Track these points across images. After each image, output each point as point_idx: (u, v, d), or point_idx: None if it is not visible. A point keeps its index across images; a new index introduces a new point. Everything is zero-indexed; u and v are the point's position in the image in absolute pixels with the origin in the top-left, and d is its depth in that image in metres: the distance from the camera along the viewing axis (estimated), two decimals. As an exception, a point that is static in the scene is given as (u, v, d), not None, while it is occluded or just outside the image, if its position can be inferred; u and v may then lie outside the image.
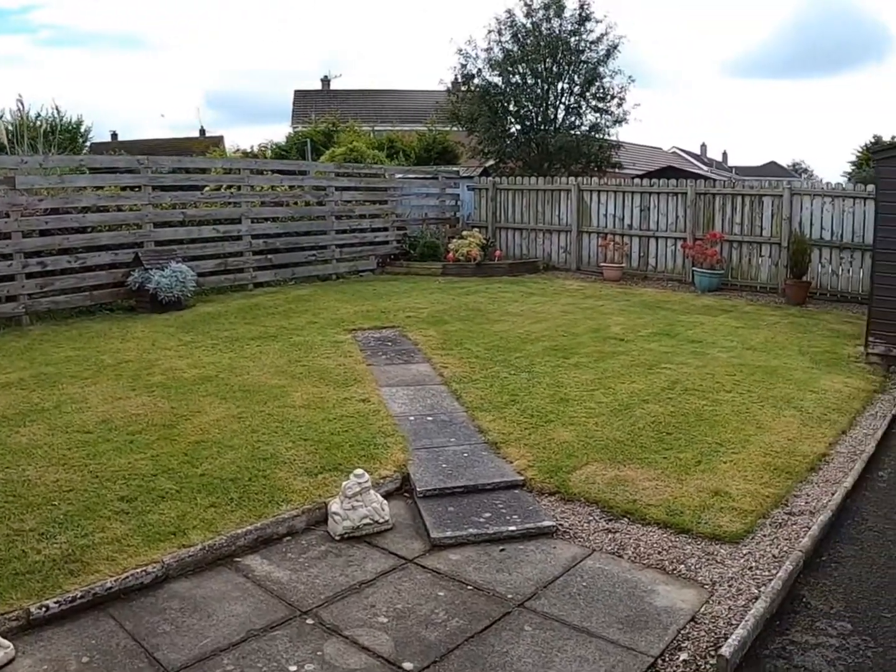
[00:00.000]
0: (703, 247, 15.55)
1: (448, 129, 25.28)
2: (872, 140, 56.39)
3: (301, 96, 41.34)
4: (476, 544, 4.64)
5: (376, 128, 28.14)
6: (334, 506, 4.68)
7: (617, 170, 22.51)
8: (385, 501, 4.84)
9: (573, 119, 21.76)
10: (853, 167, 55.38)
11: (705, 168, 39.85)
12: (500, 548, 4.60)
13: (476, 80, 21.92)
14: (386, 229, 16.77)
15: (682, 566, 4.45)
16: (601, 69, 21.52)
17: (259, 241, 13.98)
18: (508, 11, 21.44)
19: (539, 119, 21.68)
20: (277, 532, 4.62)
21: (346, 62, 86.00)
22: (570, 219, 17.62)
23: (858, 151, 56.52)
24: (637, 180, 17.36)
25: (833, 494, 5.43)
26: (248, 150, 22.76)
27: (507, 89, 21.50)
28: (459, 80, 22.19)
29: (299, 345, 9.22)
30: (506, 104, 21.60)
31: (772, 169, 67.25)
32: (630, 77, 21.83)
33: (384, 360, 8.80)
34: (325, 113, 29.98)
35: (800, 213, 15.05)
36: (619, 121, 22.12)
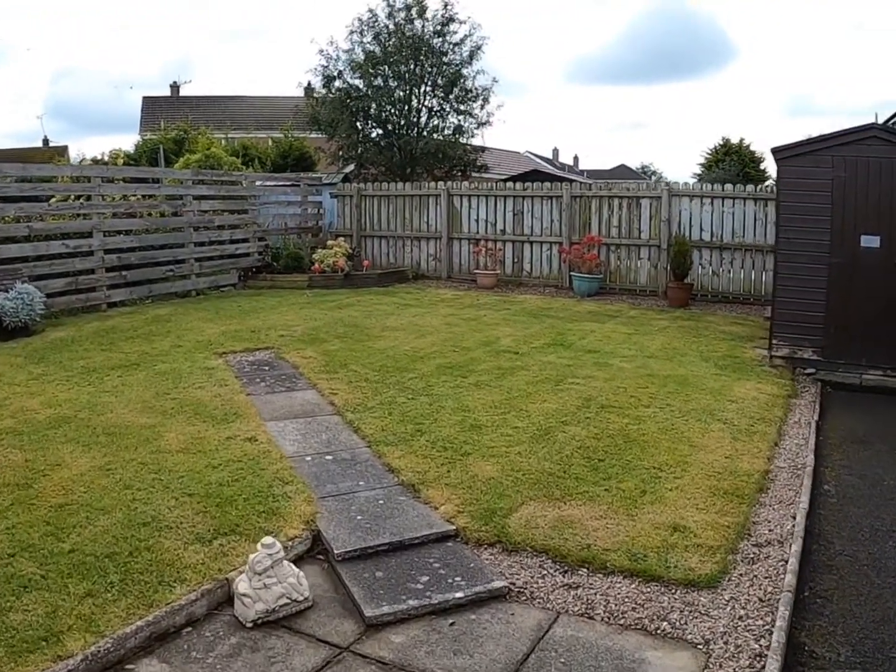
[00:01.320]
0: (581, 251, 15.25)
1: (305, 134, 24.29)
2: (721, 143, 58.66)
3: (150, 103, 39.37)
4: (419, 618, 3.85)
5: (230, 135, 26.73)
6: (242, 585, 3.76)
7: (483, 173, 22.11)
8: (301, 573, 3.96)
9: (437, 122, 21.24)
10: (702, 168, 57.44)
11: (558, 172, 40.24)
12: (450, 621, 3.82)
13: (337, 83, 21.07)
14: (247, 240, 15.66)
15: (665, 623, 3.81)
16: (465, 70, 21.05)
17: (112, 257, 12.65)
18: (371, 11, 20.79)
19: (402, 123, 21.01)
20: (174, 624, 3.67)
21: (198, 67, 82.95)
22: (440, 225, 17.00)
23: (707, 153, 58.68)
24: (509, 184, 16.91)
25: (794, 518, 4.98)
26: (98, 158, 21.01)
27: (369, 92, 20.73)
28: (320, 82, 21.24)
29: (166, 374, 8.13)
30: (367, 108, 20.80)
31: (622, 172, 69.21)
32: (494, 79, 21.41)
33: (265, 388, 7.85)
34: (175, 120, 28.37)
35: (679, 214, 14.96)
36: (482, 123, 21.77)
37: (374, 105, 20.86)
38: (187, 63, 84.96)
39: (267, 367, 8.70)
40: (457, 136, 21.44)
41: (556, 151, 66.66)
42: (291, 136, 24.57)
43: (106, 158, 17.92)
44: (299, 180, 17.74)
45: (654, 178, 71.94)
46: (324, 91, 21.46)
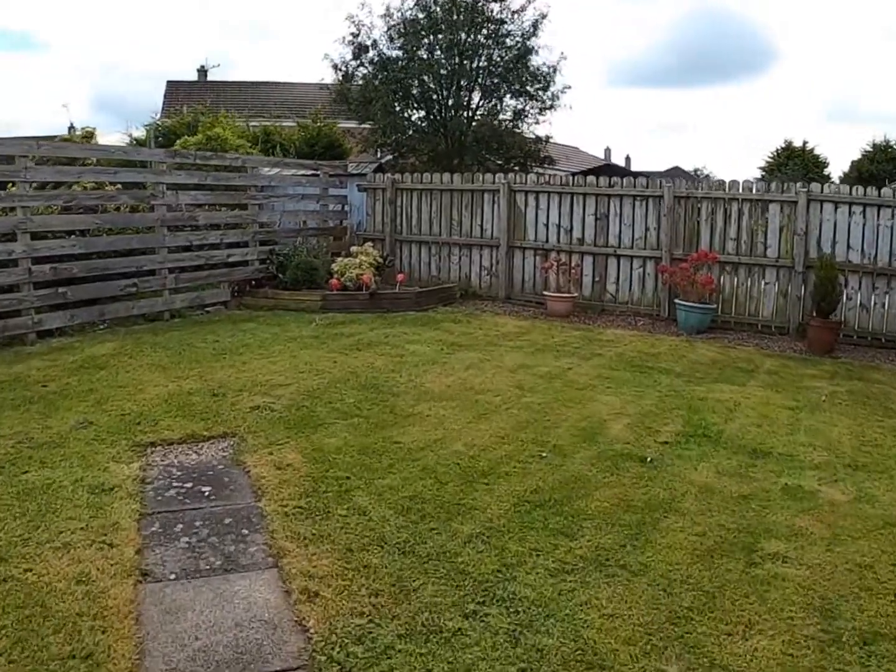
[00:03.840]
0: (689, 271, 11.23)
1: (335, 121, 20.53)
2: (783, 146, 54.54)
3: (173, 88, 35.85)
4: None
5: (252, 122, 22.97)
6: None
7: (547, 168, 18.10)
8: None
9: (492, 104, 17.17)
10: (763, 172, 53.25)
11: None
12: None
13: (370, 54, 17.15)
14: (245, 244, 11.87)
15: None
16: (529, 42, 17.04)
17: (45, 268, 8.98)
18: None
19: (450, 103, 17.02)
20: None
21: (232, 53, 79.58)
22: (498, 229, 13.09)
23: (769, 157, 54.52)
24: (590, 178, 12.90)
25: None
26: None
27: (410, 65, 16.78)
28: (350, 53, 17.37)
29: (28, 496, 4.44)
30: (408, 84, 16.86)
31: (675, 174, 64.70)
32: (562, 54, 17.43)
33: (182, 557, 4.01)
34: (199, 106, 24.87)
35: (819, 226, 10.90)
36: (548, 107, 17.70)
37: (415, 81, 16.89)
38: (224, 55, 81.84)
39: (207, 490, 4.85)
40: (517, 121, 17.44)
41: (608, 151, 62.22)
42: (321, 120, 20.77)
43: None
44: (318, 168, 13.86)
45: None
46: (354, 63, 17.58)
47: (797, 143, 53.22)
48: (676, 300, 11.41)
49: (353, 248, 12.81)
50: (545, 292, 12.35)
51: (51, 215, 9.30)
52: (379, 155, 18.77)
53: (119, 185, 10.23)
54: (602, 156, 58.55)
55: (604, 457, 5.70)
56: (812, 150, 53.24)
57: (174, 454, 5.45)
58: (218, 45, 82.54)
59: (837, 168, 53.34)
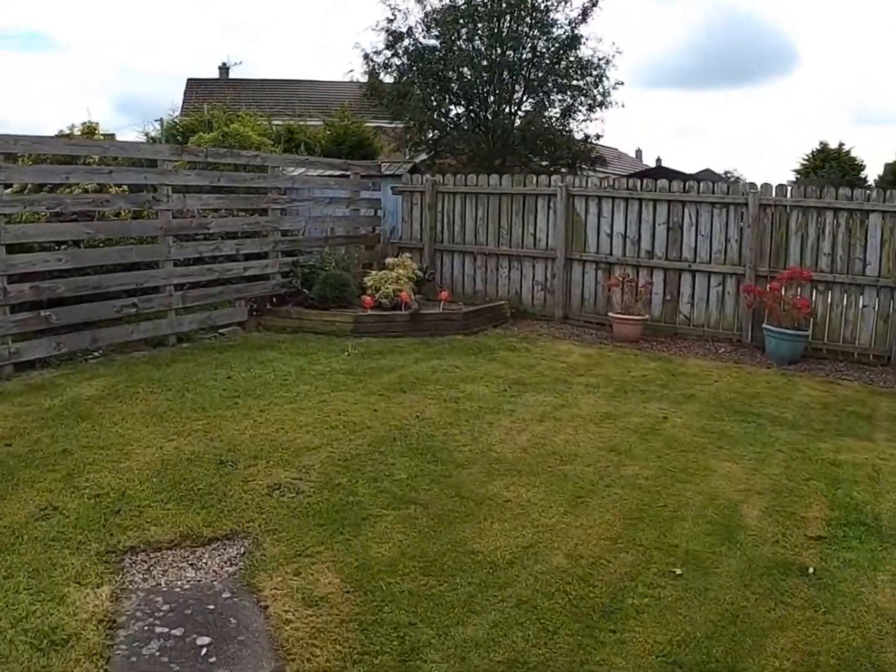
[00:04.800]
0: (779, 291, 9.56)
1: (363, 118, 18.96)
2: (818, 148, 52.53)
3: (193, 86, 34.39)
4: None
5: (275, 122, 21.41)
6: None
7: (598, 168, 16.40)
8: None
9: (539, 99, 15.49)
10: (798, 175, 51.30)
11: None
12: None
13: (406, 43, 15.52)
14: (265, 255, 10.29)
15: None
16: (577, 31, 15.37)
17: (24, 287, 7.43)
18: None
19: (492, 99, 15.36)
20: None
21: (254, 53, 78.10)
22: (555, 239, 11.45)
23: (804, 159, 52.50)
24: (661, 182, 11.19)
25: None
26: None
27: (449, 56, 15.14)
28: (383, 41, 15.75)
29: None
30: (446, 77, 15.22)
31: (707, 176, 62.70)
32: (615, 45, 15.70)
33: None
34: (220, 104, 23.37)
35: (933, 239, 9.23)
36: (599, 104, 16.00)
37: (455, 73, 15.24)
38: (247, 56, 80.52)
39: (205, 643, 3.30)
40: (565, 118, 15.76)
41: (639, 152, 60.35)
42: (348, 118, 19.17)
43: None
44: (348, 168, 12.24)
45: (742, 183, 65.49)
46: (388, 53, 15.96)
47: (833, 145, 51.28)
48: (765, 325, 9.74)
49: (389, 260, 11.19)
50: (611, 313, 10.68)
51: (29, 224, 7.74)
52: (411, 155, 17.14)
53: (124, 187, 8.68)
54: (633, 156, 56.79)
55: (755, 569, 4.09)
56: (848, 152, 51.31)
57: (161, 567, 3.86)
58: (241, 45, 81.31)
59: (872, 171, 51.09)
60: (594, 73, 15.54)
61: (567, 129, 15.91)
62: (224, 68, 36.94)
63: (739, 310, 10.50)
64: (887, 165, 54.85)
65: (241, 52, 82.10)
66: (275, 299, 10.41)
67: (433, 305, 10.67)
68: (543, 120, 15.40)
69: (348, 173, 12.06)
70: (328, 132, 18.40)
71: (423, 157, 17.12)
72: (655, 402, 7.32)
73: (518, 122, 15.46)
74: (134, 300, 8.39)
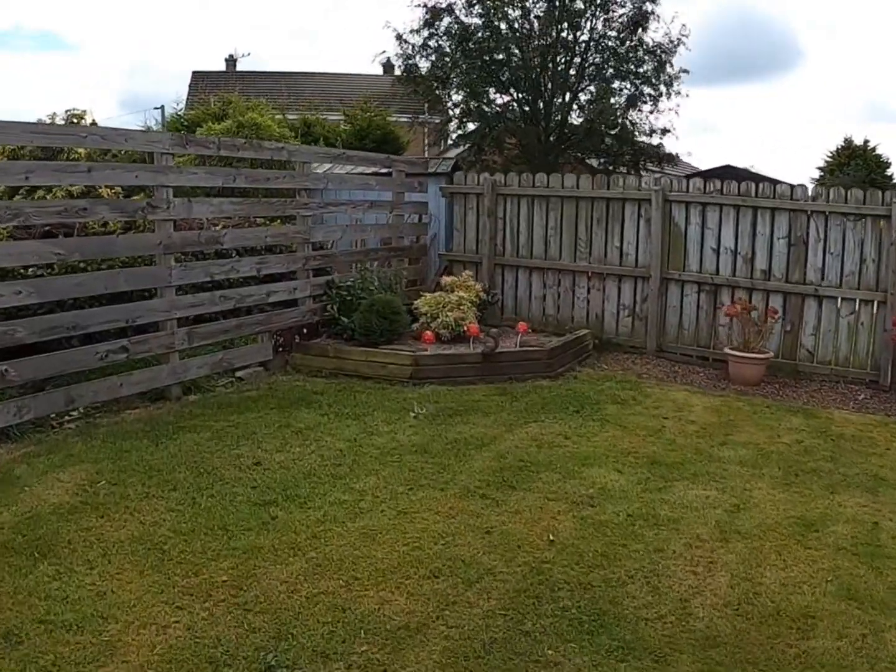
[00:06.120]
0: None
1: (387, 112, 16.75)
2: (843, 145, 50.34)
3: (199, 78, 32.15)
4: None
5: (290, 116, 19.23)
6: None
7: (666, 167, 14.17)
8: None
9: (602, 86, 13.23)
10: (822, 173, 49.17)
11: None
12: None
13: (446, 21, 13.24)
14: (292, 276, 8.10)
15: None
16: (645, 7, 13.12)
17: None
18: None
19: (548, 85, 13.10)
20: None
21: (263, 49, 75.57)
22: (647, 254, 9.26)
23: (828, 156, 50.29)
24: (781, 188, 8.98)
25: None
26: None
27: (496, 36, 12.87)
28: (420, 19, 13.48)
29: None
30: (495, 59, 12.95)
31: (728, 172, 60.41)
32: (684, 27, 13.44)
33: None
34: (229, 95, 21.15)
35: None
36: (659, 94, 13.77)
37: (504, 55, 12.96)
38: (255, 51, 77.94)
39: None
40: (629, 110, 13.51)
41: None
42: (371, 110, 16.92)
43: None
44: (391, 164, 9.99)
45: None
46: (425, 33, 13.69)
47: (858, 142, 49.15)
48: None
49: (447, 279, 9.01)
50: (727, 349, 8.48)
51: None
52: (440, 151, 14.91)
53: (118, 189, 6.48)
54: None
55: None
56: (874, 149, 49.20)
57: None
58: (249, 42, 79.03)
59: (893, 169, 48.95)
60: (663, 57, 13.30)
61: (633, 121, 13.69)
62: (231, 60, 34.92)
63: (875, 345, 8.35)
64: (909, 162, 52.76)
65: (249, 46, 79.92)
66: (305, 330, 8.20)
67: (499, 332, 8.38)
68: (612, 110, 13.12)
69: (390, 171, 9.81)
70: (349, 126, 16.17)
71: (458, 151, 14.89)
72: (844, 493, 5.20)
73: (575, 112, 13.21)
74: (123, 342, 6.18)
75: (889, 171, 48.56)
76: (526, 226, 9.95)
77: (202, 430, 5.77)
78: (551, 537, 4.31)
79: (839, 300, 8.52)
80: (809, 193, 8.65)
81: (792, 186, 8.88)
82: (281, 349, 7.87)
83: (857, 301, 8.44)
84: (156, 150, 6.38)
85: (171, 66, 74.24)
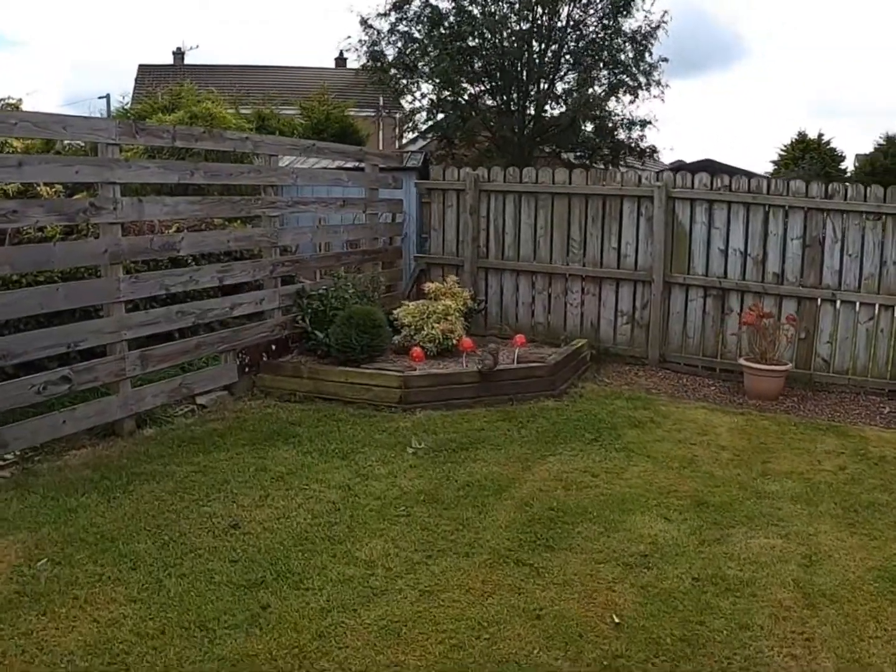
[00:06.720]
0: None
1: (345, 101, 15.78)
2: (797, 138, 50.47)
3: (146, 72, 30.72)
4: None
5: (242, 111, 18.11)
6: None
7: (647, 161, 13.45)
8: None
9: (581, 74, 12.41)
10: (776, 167, 49.27)
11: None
12: None
13: (416, 4, 12.30)
14: (259, 285, 7.12)
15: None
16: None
17: None
18: None
19: (523, 74, 12.24)
20: None
21: (215, 43, 73.45)
22: (648, 255, 8.48)
23: (782, 150, 50.40)
24: (795, 184, 8.25)
25: None
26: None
27: (469, 20, 11.96)
28: (389, 1, 12.49)
29: None
30: (468, 46, 12.03)
31: (709, 166, 59.87)
32: (665, 14, 12.68)
33: None
34: (178, 87, 19.91)
35: None
36: (637, 85, 13.01)
37: (478, 41, 12.05)
38: (206, 44, 75.79)
39: None
40: (609, 100, 12.71)
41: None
42: (329, 103, 15.93)
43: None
44: (364, 157, 9.02)
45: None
46: (393, 18, 12.71)
47: (812, 136, 49.35)
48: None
49: (430, 286, 8.08)
50: (743, 360, 7.73)
51: None
52: (401, 145, 13.98)
53: (59, 188, 5.44)
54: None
55: None
56: (828, 142, 49.44)
57: None
58: (199, 36, 76.71)
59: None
60: (643, 43, 12.53)
61: (614, 113, 12.91)
62: (179, 53, 33.57)
63: (892, 351, 7.69)
64: (858, 156, 53.14)
65: (199, 39, 77.70)
66: (274, 347, 7.22)
67: (491, 342, 7.49)
68: (593, 101, 12.28)
69: (363, 165, 8.85)
70: (306, 119, 15.16)
71: (423, 144, 13.98)
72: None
73: (551, 103, 12.35)
74: (65, 371, 5.15)
75: (843, 165, 48.78)
76: (512, 225, 9.08)
77: (163, 477, 4.78)
78: (616, 618, 3.45)
79: (857, 305, 7.87)
80: (826, 191, 7.90)
81: (807, 183, 8.15)
82: (247, 369, 6.88)
83: (877, 306, 7.79)
84: (100, 139, 5.34)
85: (117, 62, 71.88)
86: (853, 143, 67.91)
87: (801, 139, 49.59)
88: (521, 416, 6.35)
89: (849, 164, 48.91)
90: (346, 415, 6.22)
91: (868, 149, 49.39)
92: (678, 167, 13.81)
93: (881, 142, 49.11)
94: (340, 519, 4.30)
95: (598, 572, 3.86)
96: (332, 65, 25.63)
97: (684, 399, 7.41)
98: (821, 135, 48.82)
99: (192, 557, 3.78)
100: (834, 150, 49.18)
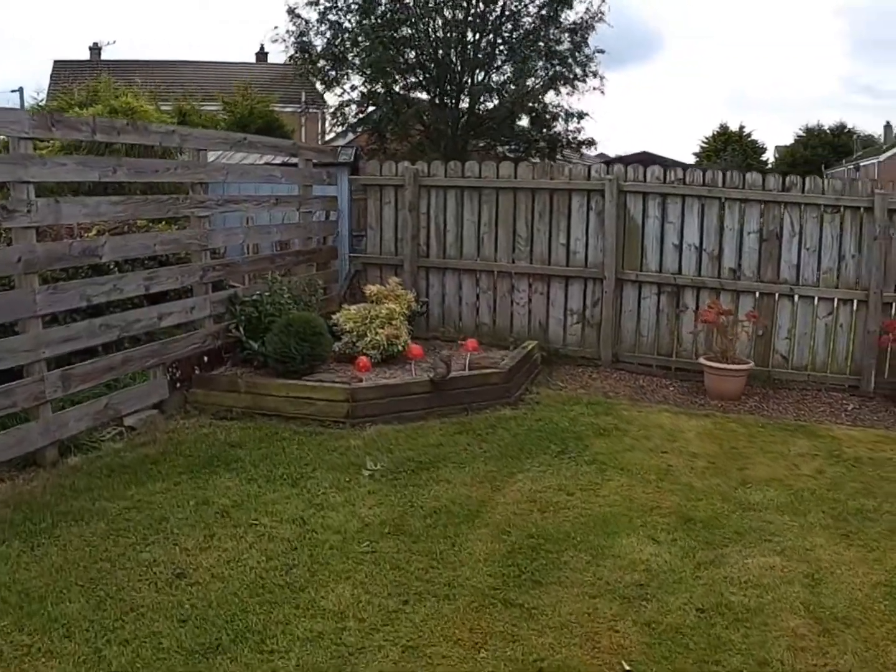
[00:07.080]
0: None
1: (269, 96, 15.16)
2: (719, 130, 51.57)
3: (62, 68, 29.51)
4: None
5: (163, 107, 17.33)
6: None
7: (584, 153, 13.18)
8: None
9: (517, 66, 12.02)
10: (698, 158, 50.20)
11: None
12: None
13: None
14: (189, 292, 6.53)
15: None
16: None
17: None
18: None
19: (457, 67, 11.80)
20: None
21: (135, 38, 71.07)
22: (599, 252, 8.15)
23: (704, 142, 51.38)
24: (751, 176, 8.03)
25: None
26: None
27: (402, 9, 11.48)
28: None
29: None
30: (401, 36, 11.54)
31: (647, 159, 60.31)
32: (603, 2, 12.39)
33: None
34: (96, 83, 18.93)
35: None
36: (574, 77, 12.71)
37: (411, 30, 11.56)
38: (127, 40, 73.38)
39: None
40: (547, 91, 12.38)
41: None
42: (252, 98, 15.28)
43: None
44: (297, 151, 8.46)
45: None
46: (321, 7, 12.13)
47: (733, 128, 50.45)
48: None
49: (373, 288, 7.58)
50: (704, 360, 7.45)
51: None
52: (337, 136, 13.44)
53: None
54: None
55: None
56: (749, 134, 50.63)
57: None
58: (118, 32, 74.22)
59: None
60: (581, 34, 12.23)
61: (552, 105, 12.57)
62: (96, 49, 32.54)
63: (855, 348, 7.54)
64: (778, 147, 54.46)
65: (118, 35, 75.36)
66: (206, 359, 6.64)
67: (436, 346, 7.05)
68: (531, 94, 11.91)
69: (296, 160, 8.30)
70: (229, 115, 14.49)
71: (351, 138, 13.45)
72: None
73: (487, 95, 11.95)
74: (-26, 395, 4.51)
75: (764, 157, 49.91)
76: (454, 222, 8.65)
77: (92, 517, 4.21)
78: (626, 665, 3.05)
79: (816, 300, 7.69)
80: (783, 183, 7.68)
81: (763, 175, 7.94)
82: (179, 385, 6.30)
83: (836, 300, 7.65)
84: (12, 133, 4.71)
85: (30, 60, 69.27)
86: (773, 135, 69.87)
87: (723, 131, 50.69)
88: (478, 428, 5.93)
89: (769, 156, 50.13)
90: (290, 433, 5.70)
91: (788, 140, 50.69)
92: (611, 161, 13.57)
93: (801, 133, 50.37)
94: (299, 560, 3.80)
95: (596, 609, 3.47)
96: (254, 60, 25.05)
97: (644, 402, 7.09)
98: (742, 127, 49.90)
99: (133, 618, 3.24)
100: (755, 141, 50.37)
